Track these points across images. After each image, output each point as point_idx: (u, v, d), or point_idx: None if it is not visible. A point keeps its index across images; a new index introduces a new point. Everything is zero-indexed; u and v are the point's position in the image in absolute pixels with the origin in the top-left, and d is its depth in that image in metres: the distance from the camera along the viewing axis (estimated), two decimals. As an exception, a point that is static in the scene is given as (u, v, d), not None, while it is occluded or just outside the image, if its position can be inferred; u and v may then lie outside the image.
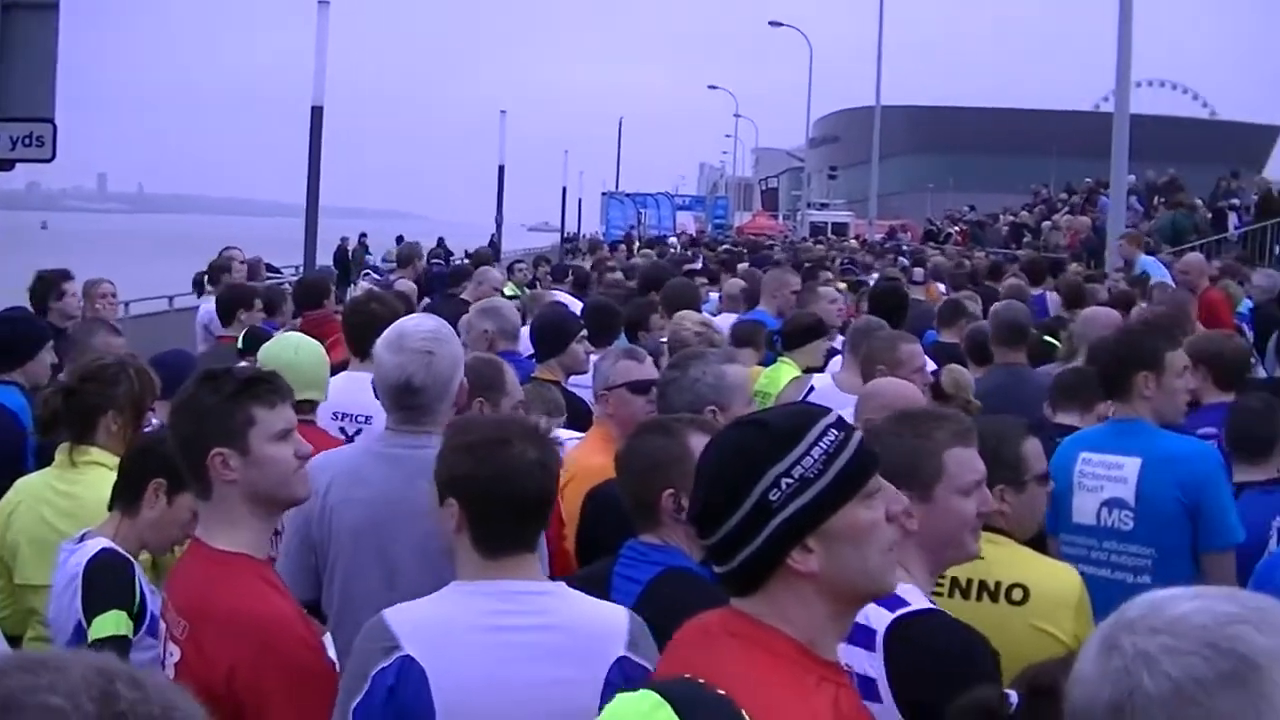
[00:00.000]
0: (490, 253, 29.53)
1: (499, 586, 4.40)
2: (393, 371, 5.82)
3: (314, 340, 8.34)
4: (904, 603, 4.31)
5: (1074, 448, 7.31)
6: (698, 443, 4.99)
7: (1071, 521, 7.11)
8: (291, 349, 8.00)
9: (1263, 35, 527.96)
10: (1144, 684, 2.20)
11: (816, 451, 3.38)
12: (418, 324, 6.09)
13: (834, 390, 9.63)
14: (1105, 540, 7.00)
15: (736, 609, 3.47)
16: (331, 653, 4.99)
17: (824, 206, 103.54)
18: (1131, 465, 6.98)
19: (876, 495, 3.44)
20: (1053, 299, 18.04)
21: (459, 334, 6.94)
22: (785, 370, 10.67)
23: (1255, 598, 2.33)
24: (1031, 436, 5.95)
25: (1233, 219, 35.75)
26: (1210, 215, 36.04)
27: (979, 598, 5.20)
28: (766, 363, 11.42)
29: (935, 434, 4.67)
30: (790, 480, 3.35)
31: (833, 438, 3.41)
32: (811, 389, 9.80)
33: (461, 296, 15.74)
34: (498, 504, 4.41)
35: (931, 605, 4.44)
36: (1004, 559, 5.25)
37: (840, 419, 3.51)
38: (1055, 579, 5.29)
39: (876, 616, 4.26)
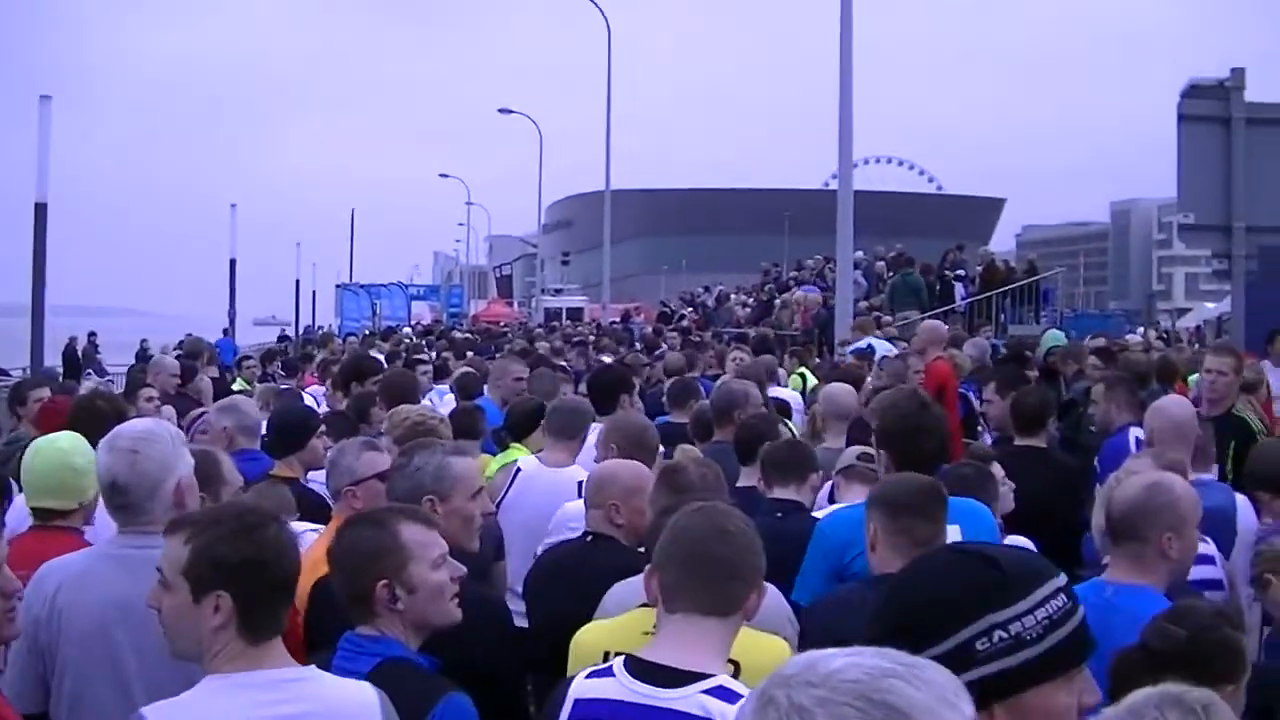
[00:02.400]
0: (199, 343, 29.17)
1: (262, 676, 4.35)
2: (103, 473, 5.86)
3: (57, 443, 7.87)
4: (738, 694, 4.35)
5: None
6: (410, 533, 5.04)
7: None
8: (31, 452, 7.63)
9: (988, 111, 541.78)
10: None
11: (1041, 614, 3.04)
12: (132, 424, 6.14)
13: (540, 468, 9.78)
14: None
15: None
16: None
17: (559, 292, 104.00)
18: (953, 533, 7.05)
19: (1078, 679, 3.12)
20: (784, 374, 18.28)
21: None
22: (515, 456, 10.62)
23: (907, 656, 2.35)
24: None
25: (959, 289, 36.45)
26: (938, 284, 36.68)
27: (692, 675, 5.16)
28: (488, 449, 11.37)
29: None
30: (1005, 635, 3.01)
31: (1060, 604, 3.10)
32: (518, 470, 9.81)
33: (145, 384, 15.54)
34: (268, 586, 4.40)
35: None
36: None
37: (1067, 585, 3.17)
38: (764, 651, 5.28)
39: (718, 708, 4.36)
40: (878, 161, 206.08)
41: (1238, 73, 17.18)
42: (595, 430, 10.53)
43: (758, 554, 4.79)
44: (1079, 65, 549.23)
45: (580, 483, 9.18)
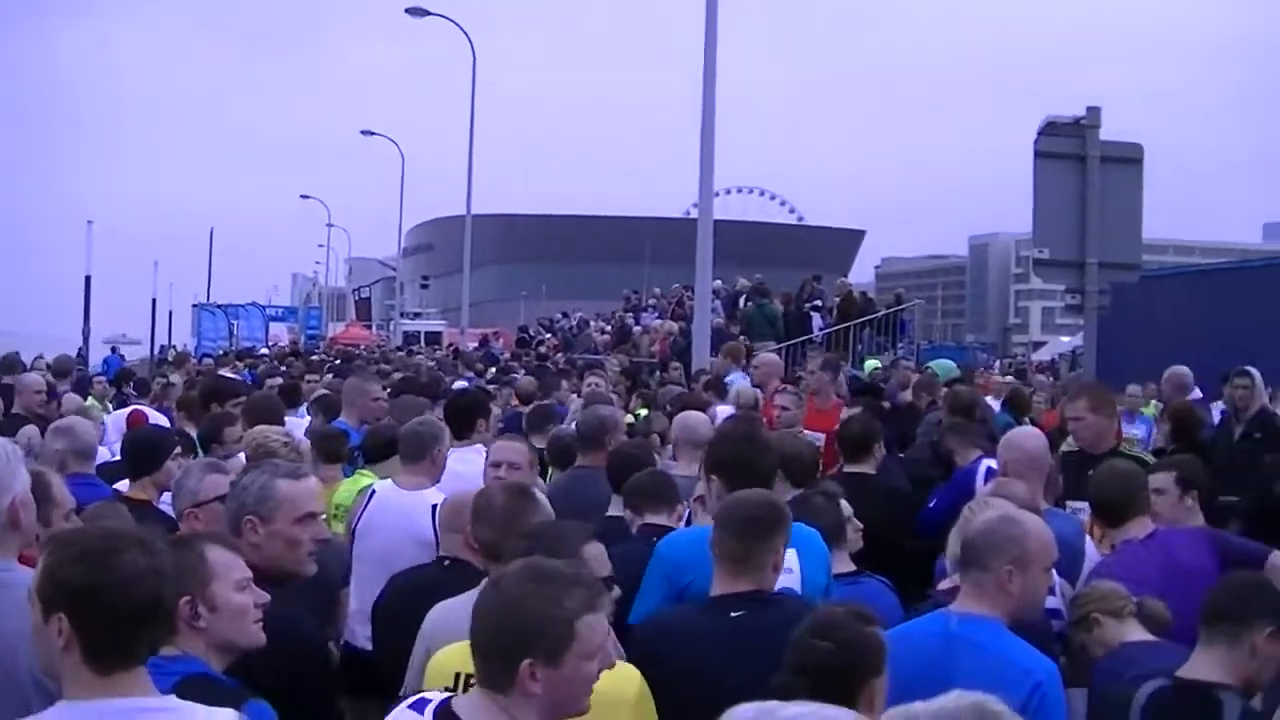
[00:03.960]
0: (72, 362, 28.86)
1: (114, 705, 4.25)
2: None
3: None
4: None
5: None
6: (215, 554, 5.17)
7: None
8: None
9: (850, 144, 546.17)
10: None
11: None
12: None
13: (395, 491, 9.82)
14: None
15: None
16: None
17: (417, 316, 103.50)
18: (790, 556, 7.13)
19: None
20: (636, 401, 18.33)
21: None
22: (363, 482, 10.56)
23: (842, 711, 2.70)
24: (594, 540, 5.98)
25: (816, 320, 36.57)
26: (797, 314, 36.75)
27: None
28: (348, 474, 11.31)
29: (568, 602, 4.59)
30: None
31: None
32: (372, 494, 9.78)
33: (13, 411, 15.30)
34: (112, 614, 4.26)
35: None
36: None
37: None
38: (613, 679, 5.22)
39: None
40: (739, 191, 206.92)
41: (1094, 111, 17.36)
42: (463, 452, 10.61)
43: (518, 630, 4.55)
44: (941, 100, 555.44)
45: (434, 506, 9.18)
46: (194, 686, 4.74)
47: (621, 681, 5.49)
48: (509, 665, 4.51)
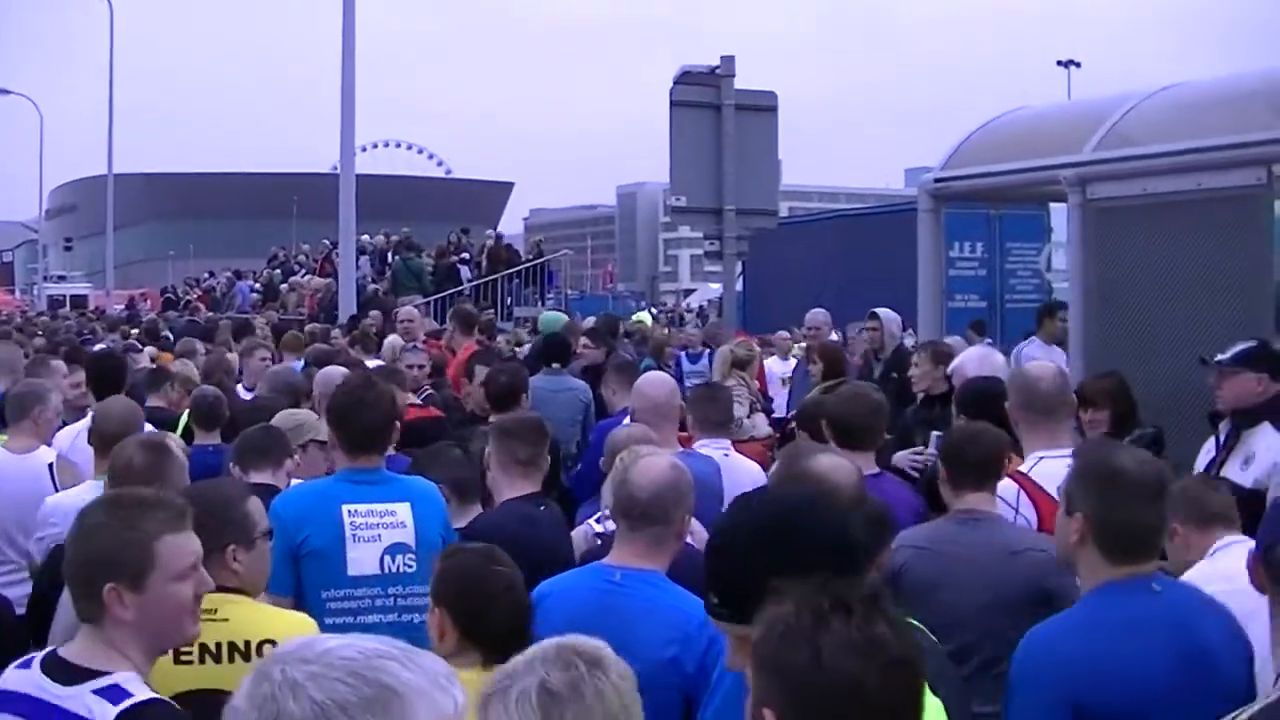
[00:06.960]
0: None
1: None
2: None
3: None
4: (127, 694, 4.29)
5: (326, 504, 7.39)
6: None
7: (347, 575, 7.22)
8: None
9: (495, 97, 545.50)
10: (289, 708, 2.31)
11: None
12: None
13: (6, 456, 9.78)
14: (391, 586, 7.28)
15: None
16: None
17: (62, 279, 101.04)
18: (404, 510, 7.41)
19: None
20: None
21: None
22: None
23: (404, 644, 2.47)
24: (253, 495, 6.00)
25: (465, 272, 36.61)
26: (447, 268, 36.76)
27: (231, 659, 5.35)
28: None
29: (143, 524, 4.50)
30: None
31: None
32: None
33: None
34: None
35: (155, 695, 4.41)
36: (247, 617, 5.51)
37: None
38: (299, 629, 5.44)
39: (100, 709, 4.24)
40: (385, 146, 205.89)
41: (728, 60, 17.69)
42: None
43: (96, 557, 4.49)
44: (591, 51, 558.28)
45: (50, 465, 9.39)
46: None
47: (307, 631, 5.44)
48: (93, 593, 4.43)
